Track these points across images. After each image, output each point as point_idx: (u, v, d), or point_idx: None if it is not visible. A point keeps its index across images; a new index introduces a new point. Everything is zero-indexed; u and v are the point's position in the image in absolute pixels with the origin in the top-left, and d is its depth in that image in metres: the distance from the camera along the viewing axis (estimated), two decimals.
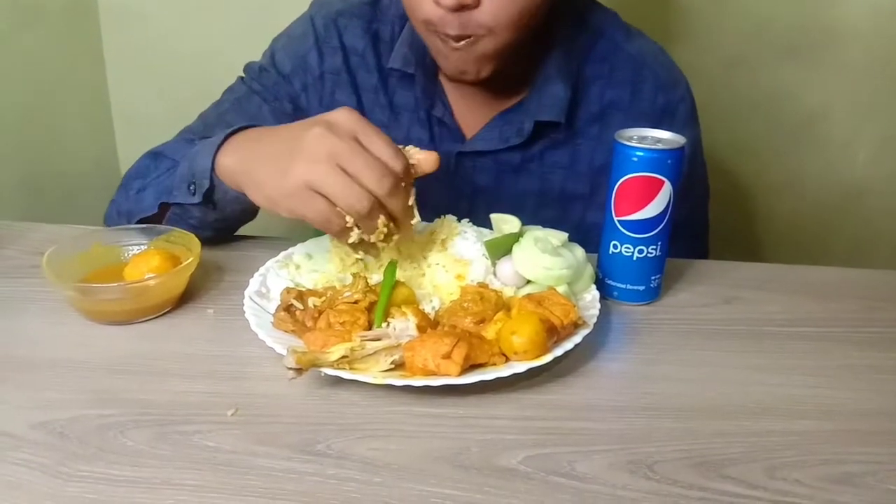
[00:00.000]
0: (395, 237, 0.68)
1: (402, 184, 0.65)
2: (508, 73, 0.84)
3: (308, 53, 0.92)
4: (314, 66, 0.92)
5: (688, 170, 0.90)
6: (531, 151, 0.89)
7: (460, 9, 0.74)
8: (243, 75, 0.96)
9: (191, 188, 0.75)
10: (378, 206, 0.64)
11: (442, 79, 0.90)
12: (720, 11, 0.96)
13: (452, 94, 0.90)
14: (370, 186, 0.62)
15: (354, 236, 0.65)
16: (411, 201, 0.67)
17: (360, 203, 0.62)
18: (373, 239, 0.66)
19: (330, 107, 0.86)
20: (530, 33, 0.81)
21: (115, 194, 0.90)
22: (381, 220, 0.65)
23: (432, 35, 0.79)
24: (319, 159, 0.62)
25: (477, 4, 0.74)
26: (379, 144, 0.64)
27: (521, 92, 0.87)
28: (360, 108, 0.91)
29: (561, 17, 0.86)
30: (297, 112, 0.93)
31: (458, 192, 0.91)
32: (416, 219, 0.68)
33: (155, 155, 0.86)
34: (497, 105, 0.89)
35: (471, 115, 0.90)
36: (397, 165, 0.64)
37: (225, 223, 0.82)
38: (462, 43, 0.77)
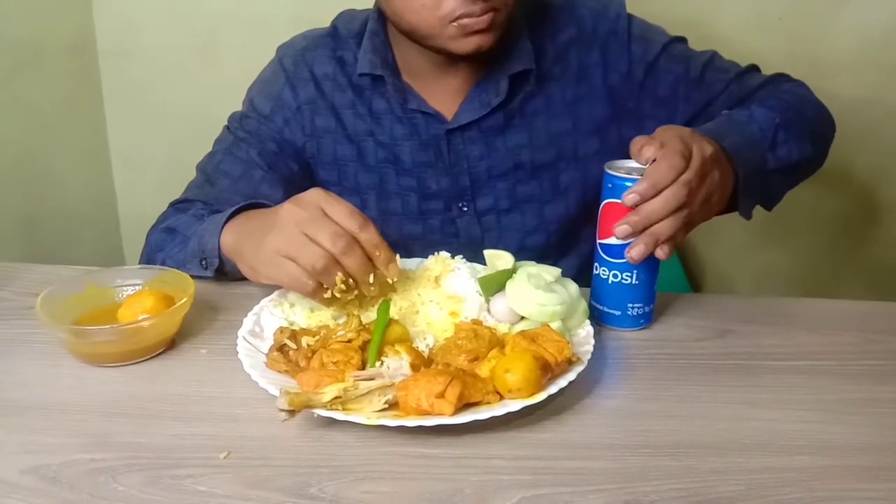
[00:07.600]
0: (356, 292, 0.73)
1: (360, 244, 0.71)
2: None
3: (282, 91, 0.98)
4: (290, 101, 0.98)
5: (681, 69, 0.94)
6: (511, 108, 0.95)
7: None
8: (228, 125, 1.02)
9: (202, 263, 0.84)
10: (334, 262, 0.70)
11: (406, 77, 0.95)
12: (707, 46, 0.98)
13: (421, 86, 0.95)
14: (325, 245, 0.70)
15: (327, 293, 0.72)
16: (386, 260, 0.72)
17: (317, 261, 0.70)
18: (336, 293, 0.72)
19: (312, 133, 0.98)
20: None
21: (141, 260, 0.95)
22: (339, 276, 0.71)
23: (450, 27, 0.83)
24: (286, 228, 0.71)
25: None
26: (337, 210, 0.71)
27: (488, 61, 0.92)
28: (341, 127, 0.98)
29: None
30: (283, 147, 0.98)
31: (457, 169, 0.97)
32: (397, 270, 0.73)
33: (168, 230, 0.92)
34: (468, 79, 0.94)
35: (445, 98, 0.95)
36: (353, 227, 0.71)
37: (236, 278, 0.85)
38: (488, 15, 0.82)
